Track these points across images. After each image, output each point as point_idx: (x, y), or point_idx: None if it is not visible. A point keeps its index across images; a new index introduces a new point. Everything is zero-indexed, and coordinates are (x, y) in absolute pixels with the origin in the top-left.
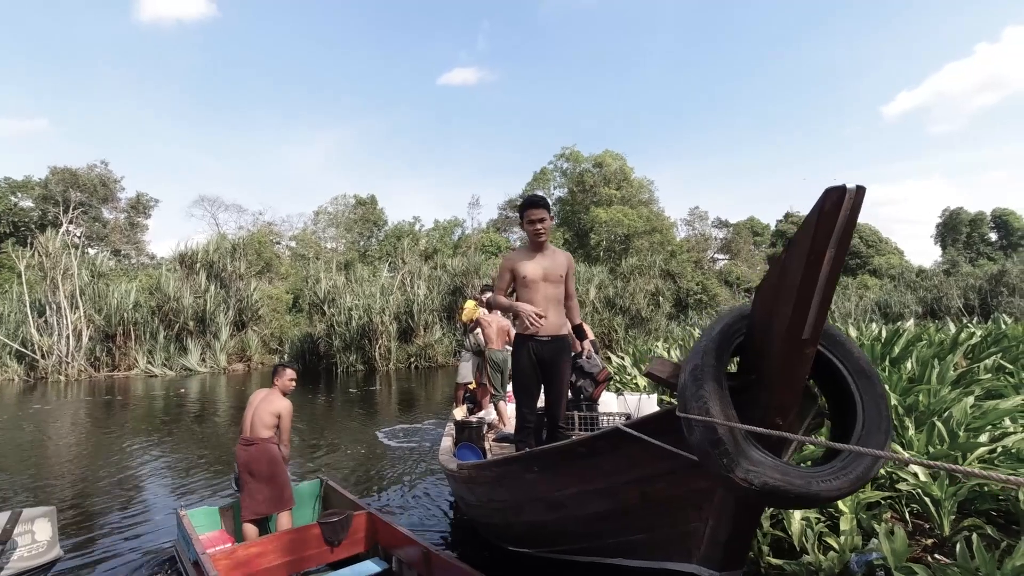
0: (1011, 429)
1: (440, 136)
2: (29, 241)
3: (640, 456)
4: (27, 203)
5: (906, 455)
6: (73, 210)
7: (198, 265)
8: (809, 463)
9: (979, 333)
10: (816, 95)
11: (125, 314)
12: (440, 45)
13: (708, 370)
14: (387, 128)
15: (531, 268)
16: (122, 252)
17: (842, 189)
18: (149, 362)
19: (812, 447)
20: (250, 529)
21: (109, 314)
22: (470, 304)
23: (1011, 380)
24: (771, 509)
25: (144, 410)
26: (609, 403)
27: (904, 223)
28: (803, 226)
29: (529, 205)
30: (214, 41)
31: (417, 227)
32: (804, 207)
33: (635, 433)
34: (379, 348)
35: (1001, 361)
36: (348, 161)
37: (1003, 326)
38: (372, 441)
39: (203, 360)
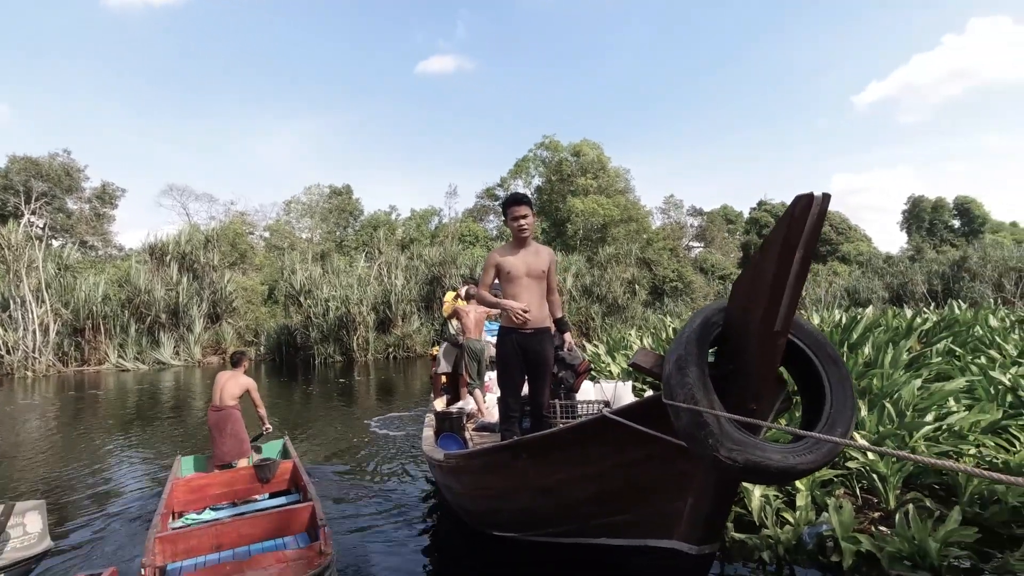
0: (954, 409)
1: (417, 125)
2: None
3: (625, 441)
4: None
5: (861, 442)
6: (36, 200)
7: (169, 257)
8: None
9: (933, 318)
10: (789, 86)
11: (94, 307)
12: (418, 33)
13: (691, 359)
14: (363, 116)
15: (514, 263)
16: (89, 243)
17: (810, 196)
18: (120, 356)
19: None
20: (217, 471)
21: (77, 308)
22: (450, 295)
23: (958, 363)
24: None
25: (119, 404)
26: (587, 391)
27: (873, 211)
28: (774, 229)
29: (512, 203)
30: (183, 26)
31: (394, 216)
32: (777, 195)
33: (621, 420)
34: (357, 339)
35: (951, 345)
36: (323, 150)
37: (956, 311)
38: (364, 429)
39: (177, 353)
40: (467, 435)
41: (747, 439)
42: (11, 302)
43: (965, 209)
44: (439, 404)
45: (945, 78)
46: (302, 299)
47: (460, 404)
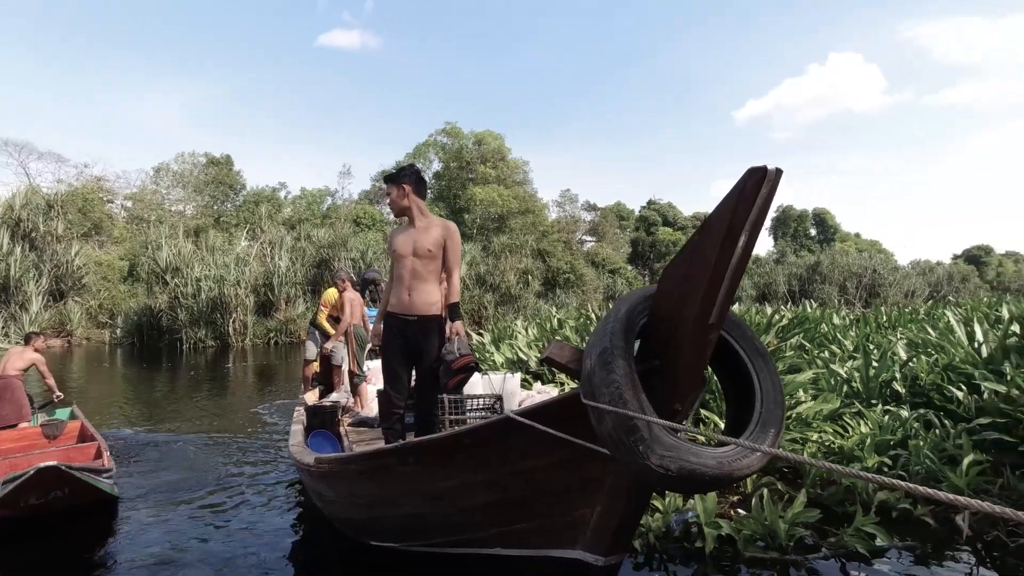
0: (803, 399)
1: (315, 100)
2: None
3: (530, 445)
4: None
5: (793, 456)
6: None
7: None
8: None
9: (788, 316)
10: (680, 95)
11: None
12: (323, 3)
13: (618, 353)
14: (254, 84)
15: (400, 242)
16: None
17: (763, 170)
18: None
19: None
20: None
21: None
22: (331, 293)
23: (807, 357)
24: None
25: None
26: (475, 384)
27: None
28: (719, 208)
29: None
30: None
31: (282, 194)
32: (664, 196)
33: (530, 422)
34: (233, 323)
35: (802, 340)
36: (208, 118)
37: (807, 310)
38: (241, 419)
39: (6, 335)
40: (342, 431)
41: (679, 444)
42: None
43: (821, 219)
44: (310, 397)
45: (811, 102)
46: (168, 278)
47: (334, 396)
